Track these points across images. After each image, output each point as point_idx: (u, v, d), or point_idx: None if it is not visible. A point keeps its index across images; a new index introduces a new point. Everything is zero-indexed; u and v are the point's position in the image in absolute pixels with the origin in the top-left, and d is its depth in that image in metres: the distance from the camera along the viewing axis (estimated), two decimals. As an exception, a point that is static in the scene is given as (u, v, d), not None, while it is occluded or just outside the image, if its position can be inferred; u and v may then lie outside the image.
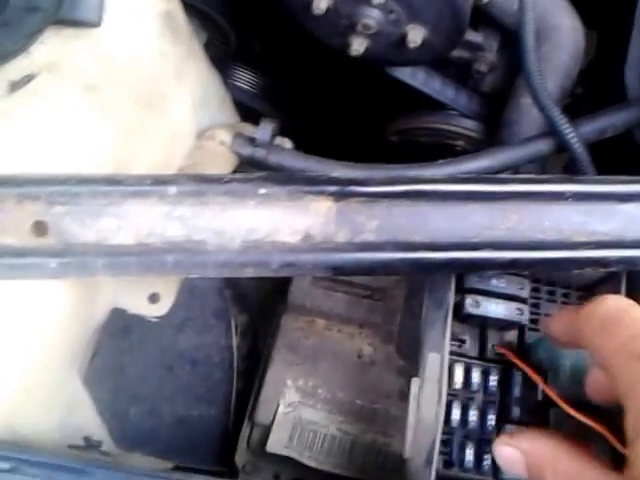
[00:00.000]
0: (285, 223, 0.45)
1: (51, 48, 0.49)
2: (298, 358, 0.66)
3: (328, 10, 0.70)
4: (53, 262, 0.44)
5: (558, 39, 0.76)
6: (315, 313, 0.67)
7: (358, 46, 0.74)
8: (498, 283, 0.50)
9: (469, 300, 0.49)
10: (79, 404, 0.54)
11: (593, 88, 0.85)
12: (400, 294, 0.67)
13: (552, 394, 0.45)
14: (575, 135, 0.60)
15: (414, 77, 0.82)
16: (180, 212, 0.45)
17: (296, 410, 0.64)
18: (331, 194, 0.46)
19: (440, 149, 0.84)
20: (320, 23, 0.73)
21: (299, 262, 0.45)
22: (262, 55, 0.91)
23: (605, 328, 0.37)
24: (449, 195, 0.47)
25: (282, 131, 0.75)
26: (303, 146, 0.75)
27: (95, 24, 0.49)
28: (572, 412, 0.43)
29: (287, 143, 0.73)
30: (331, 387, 0.65)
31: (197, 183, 0.46)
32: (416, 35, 0.71)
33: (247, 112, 0.88)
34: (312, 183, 0.46)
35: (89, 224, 0.45)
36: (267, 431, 0.63)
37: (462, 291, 0.49)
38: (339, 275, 0.48)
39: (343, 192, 0.46)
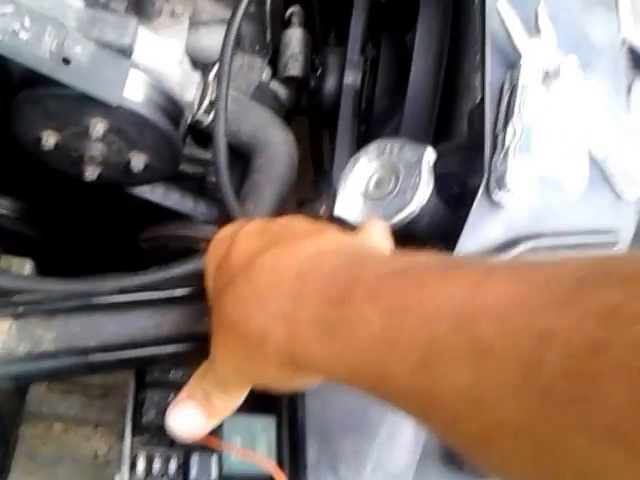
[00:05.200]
0: (-32, 344, 0.54)
1: None
2: (36, 466, 0.72)
3: (57, 146, 0.80)
4: None
5: (271, 152, 0.91)
6: (52, 418, 0.74)
7: (91, 174, 0.84)
8: (177, 374, 0.60)
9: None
10: None
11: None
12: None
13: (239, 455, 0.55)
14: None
15: (153, 193, 0.93)
16: None
17: (33, 517, 0.70)
18: (12, 314, 0.55)
19: (188, 253, 0.95)
20: (52, 157, 0.83)
21: (-19, 376, 0.54)
22: (15, 182, 1.00)
23: None
24: (117, 305, 0.57)
25: (39, 252, 0.84)
26: (65, 263, 0.83)
27: None
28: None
29: (27, 265, 0.81)
30: (68, 489, 0.71)
31: None
32: (138, 161, 0.82)
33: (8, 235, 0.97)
34: (-5, 306, 0.56)
35: None
36: None
37: (144, 386, 0.59)
38: (21, 383, 0.56)
39: (23, 311, 0.56)
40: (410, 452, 0.57)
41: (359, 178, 0.71)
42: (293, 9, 1.04)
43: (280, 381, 0.47)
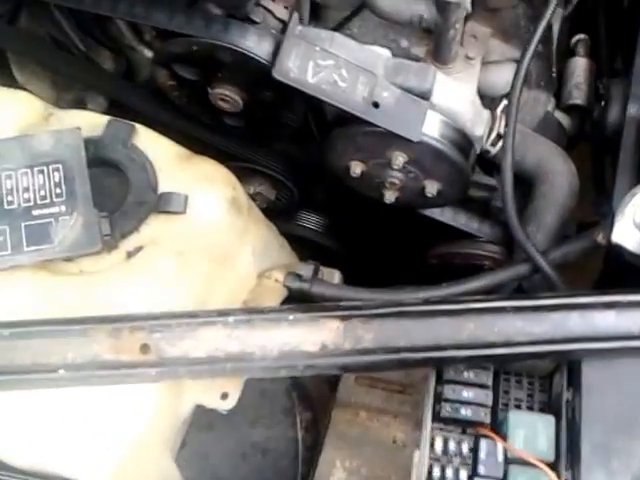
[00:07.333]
0: (307, 338, 0.69)
1: (153, 228, 0.78)
2: (345, 444, 0.88)
3: (362, 173, 0.96)
4: (153, 371, 0.70)
5: (553, 180, 0.98)
6: (359, 407, 0.90)
7: (389, 197, 1.00)
8: (469, 375, 0.71)
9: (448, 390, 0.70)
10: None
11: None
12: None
13: (518, 451, 0.65)
14: (545, 261, 0.81)
15: (443, 214, 1.06)
16: (236, 334, 0.70)
17: (344, 485, 0.85)
18: (338, 317, 0.70)
19: (471, 269, 1.05)
20: (358, 182, 0.99)
21: (317, 365, 0.69)
22: (323, 202, 1.19)
23: None
24: (423, 313, 0.70)
25: (338, 262, 1.01)
26: (359, 272, 0.99)
27: (182, 212, 0.78)
28: (531, 459, 0.63)
29: (336, 274, 0.98)
30: (371, 466, 0.86)
31: (247, 314, 0.71)
32: (432, 188, 0.95)
33: (314, 247, 1.16)
34: (326, 310, 0.71)
35: (177, 344, 0.70)
36: (321, 503, 0.85)
37: (442, 382, 0.71)
38: (346, 373, 0.70)
39: (347, 315, 0.70)
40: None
41: (638, 209, 0.76)
42: (579, 37, 1.10)
43: None
